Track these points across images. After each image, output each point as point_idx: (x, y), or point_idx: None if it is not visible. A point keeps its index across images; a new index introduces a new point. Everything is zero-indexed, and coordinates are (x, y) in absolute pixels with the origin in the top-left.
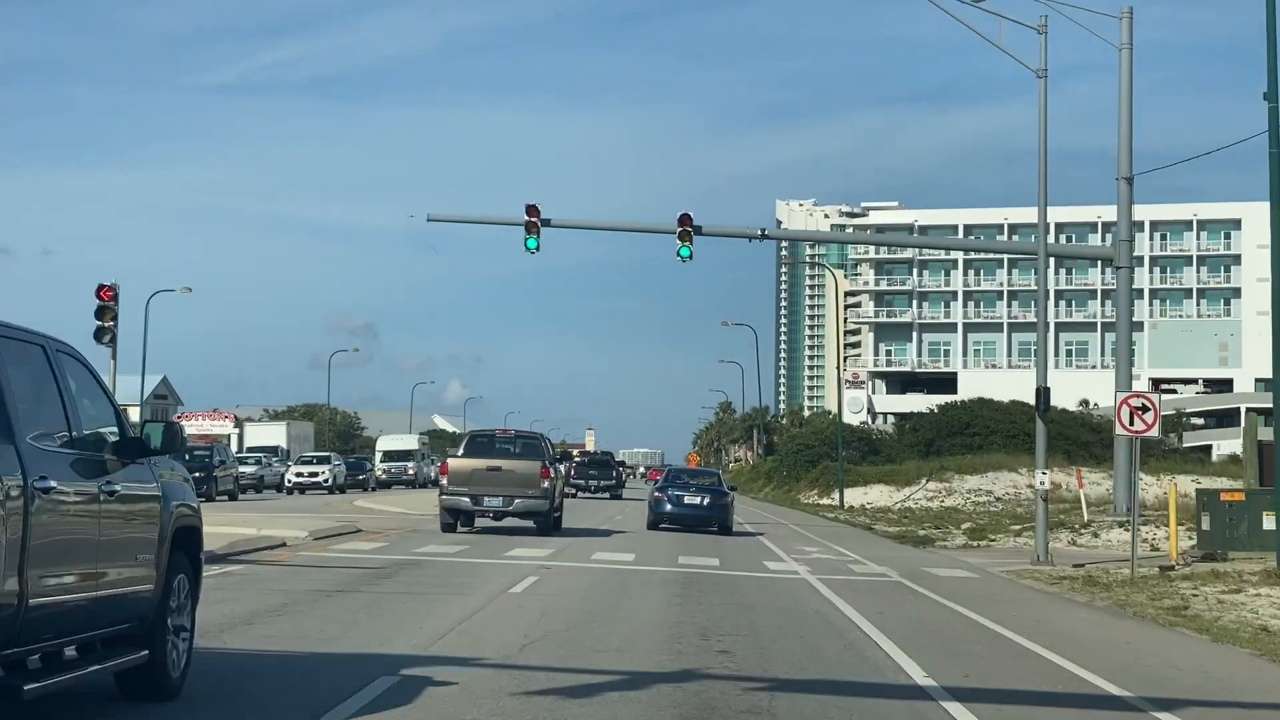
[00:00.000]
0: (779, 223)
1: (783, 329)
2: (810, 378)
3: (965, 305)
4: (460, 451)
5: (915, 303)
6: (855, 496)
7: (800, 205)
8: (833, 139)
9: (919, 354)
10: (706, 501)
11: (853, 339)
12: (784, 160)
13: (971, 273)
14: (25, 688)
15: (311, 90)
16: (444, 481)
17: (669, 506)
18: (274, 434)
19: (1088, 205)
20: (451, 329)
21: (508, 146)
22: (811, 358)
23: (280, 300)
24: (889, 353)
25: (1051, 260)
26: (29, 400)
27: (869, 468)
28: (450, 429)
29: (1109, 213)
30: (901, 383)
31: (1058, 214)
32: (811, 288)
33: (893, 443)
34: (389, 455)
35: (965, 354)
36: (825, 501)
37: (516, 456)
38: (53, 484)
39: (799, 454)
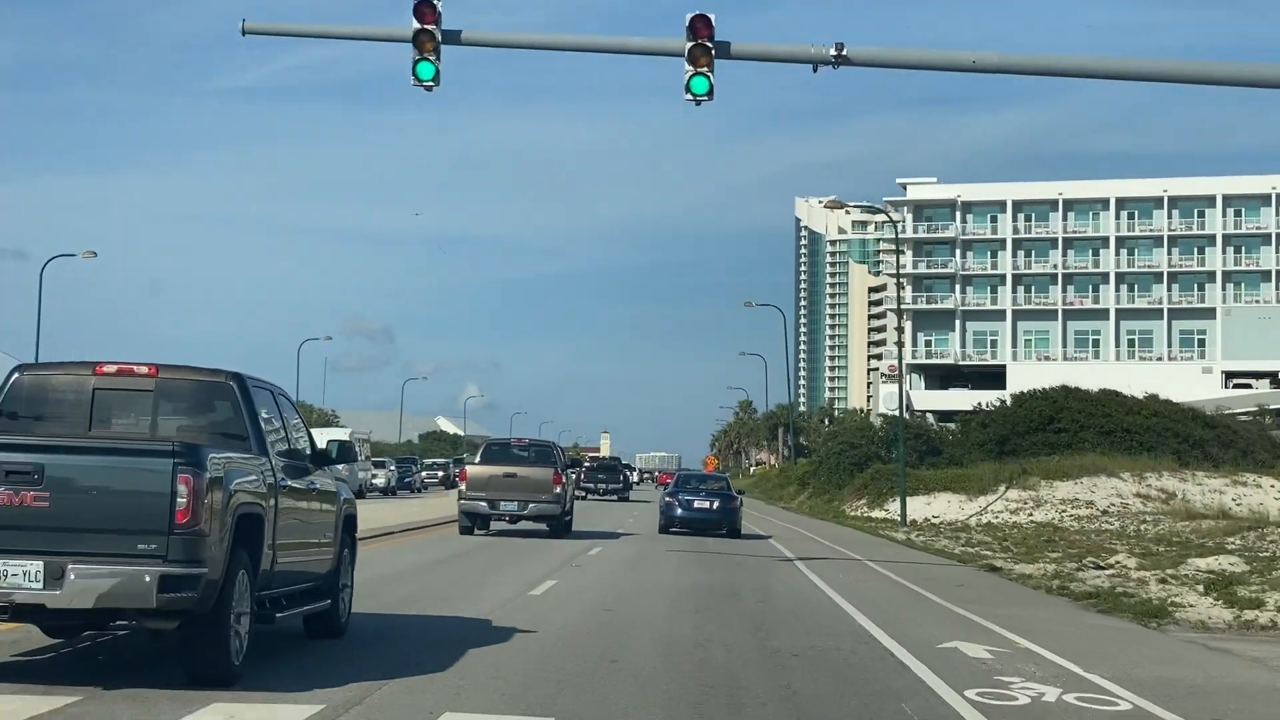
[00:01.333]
0: (798, 220)
1: (802, 328)
2: (832, 376)
3: (1015, 290)
4: (477, 459)
5: (959, 288)
6: (917, 507)
7: (820, 202)
8: (852, 142)
9: (963, 344)
10: (716, 506)
11: (879, 335)
12: (803, 163)
13: (1021, 254)
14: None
15: (330, 95)
16: (463, 487)
17: (679, 511)
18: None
19: (1153, 178)
20: (468, 333)
21: (527, 151)
22: (833, 355)
23: (296, 304)
24: (929, 343)
25: (1112, 241)
26: (269, 426)
27: (931, 471)
28: (455, 431)
29: (1176, 185)
30: (942, 377)
31: (1120, 188)
32: (832, 285)
33: (955, 441)
34: None
35: (1015, 344)
36: (879, 514)
37: (530, 463)
38: (287, 483)
39: (841, 455)
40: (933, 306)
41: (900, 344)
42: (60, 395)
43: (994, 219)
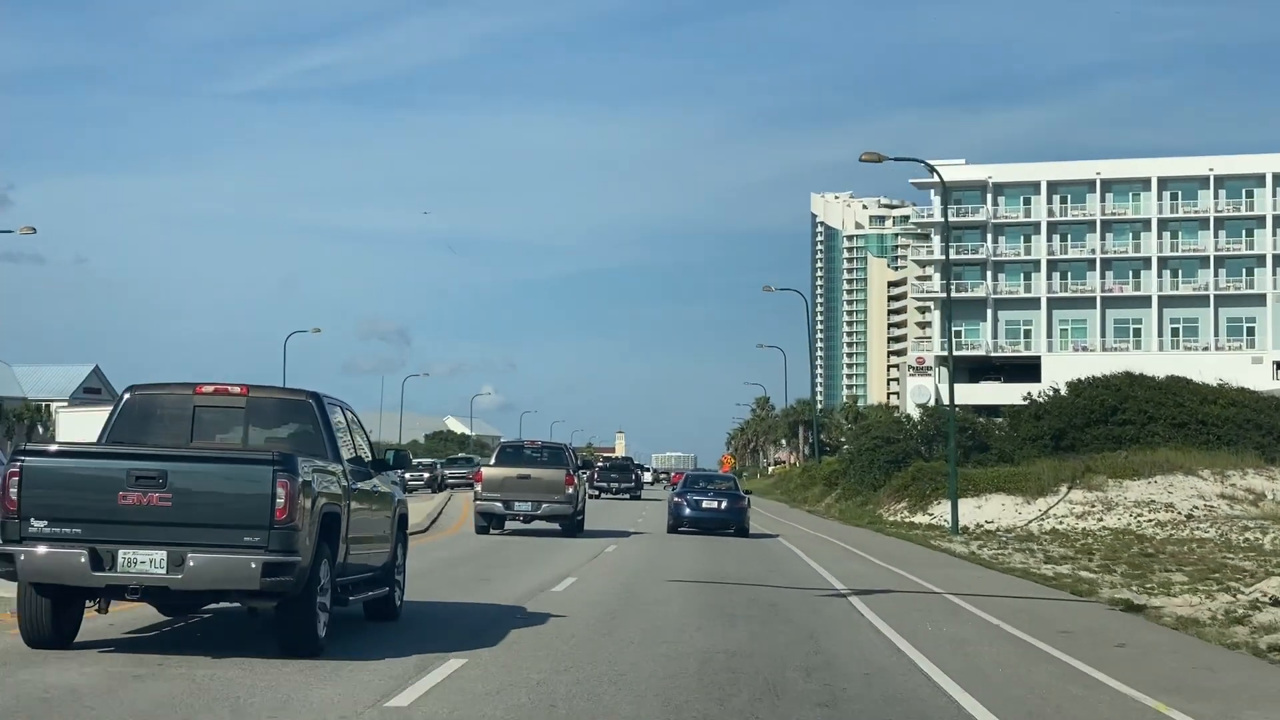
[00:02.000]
0: (814, 216)
1: (819, 325)
2: (849, 374)
3: (1049, 277)
4: (492, 461)
5: (990, 274)
6: (967, 511)
7: (837, 198)
8: (866, 141)
9: (994, 335)
10: (724, 505)
11: (899, 330)
12: (818, 162)
13: (1056, 238)
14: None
15: (342, 97)
16: (478, 488)
17: (688, 511)
18: None
19: (1204, 156)
20: (485, 334)
21: (540, 152)
22: (850, 352)
23: (311, 306)
24: (958, 334)
25: (1154, 222)
26: (340, 437)
27: (980, 470)
28: (463, 430)
29: (1223, 164)
30: (971, 369)
31: (1162, 167)
32: (849, 281)
33: (1003, 436)
34: None
35: (1049, 334)
36: (922, 519)
37: (543, 465)
38: (356, 486)
39: (875, 452)
40: (962, 295)
41: (952, 331)
42: (166, 411)
43: (1027, 201)
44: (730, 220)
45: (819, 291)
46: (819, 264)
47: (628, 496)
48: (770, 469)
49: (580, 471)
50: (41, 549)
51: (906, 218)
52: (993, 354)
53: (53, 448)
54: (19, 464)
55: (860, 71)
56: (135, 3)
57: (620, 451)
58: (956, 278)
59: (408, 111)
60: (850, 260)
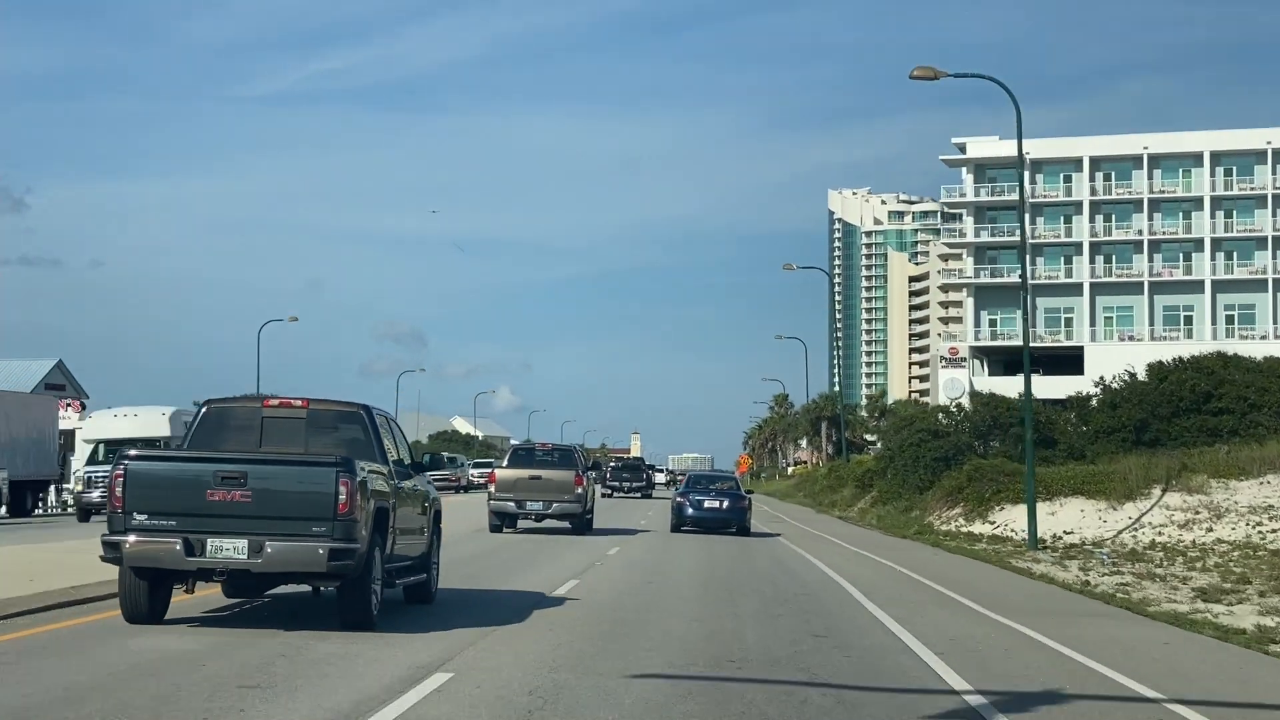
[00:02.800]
0: (831, 213)
1: (837, 321)
2: (869, 371)
3: (1093, 260)
4: (505, 463)
5: (1028, 258)
6: (1039, 518)
7: (854, 194)
8: (884, 142)
9: (1032, 323)
10: (726, 505)
11: (921, 326)
12: (835, 162)
13: (1100, 219)
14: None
15: (359, 99)
16: (492, 489)
17: (690, 511)
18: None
19: (1260, 129)
20: (500, 335)
21: (555, 153)
22: (870, 349)
23: (327, 308)
24: (993, 323)
25: (1207, 200)
26: (387, 443)
27: (1050, 469)
28: (471, 431)
29: None
30: (1006, 361)
31: (1215, 140)
32: (868, 278)
33: (1071, 430)
34: (108, 448)
35: (1093, 322)
36: (982, 528)
37: (554, 466)
38: (400, 485)
39: (920, 449)
40: (997, 281)
41: (1027, 304)
42: (238, 421)
43: (1068, 179)
44: (747, 221)
45: (837, 288)
46: (836, 261)
47: (639, 495)
48: (790, 469)
49: (589, 472)
50: (143, 538)
51: (927, 213)
52: (1032, 344)
53: (152, 453)
54: (123, 467)
55: (876, 72)
56: (154, 7)
57: (635, 452)
58: (991, 261)
59: (425, 113)
60: (869, 256)
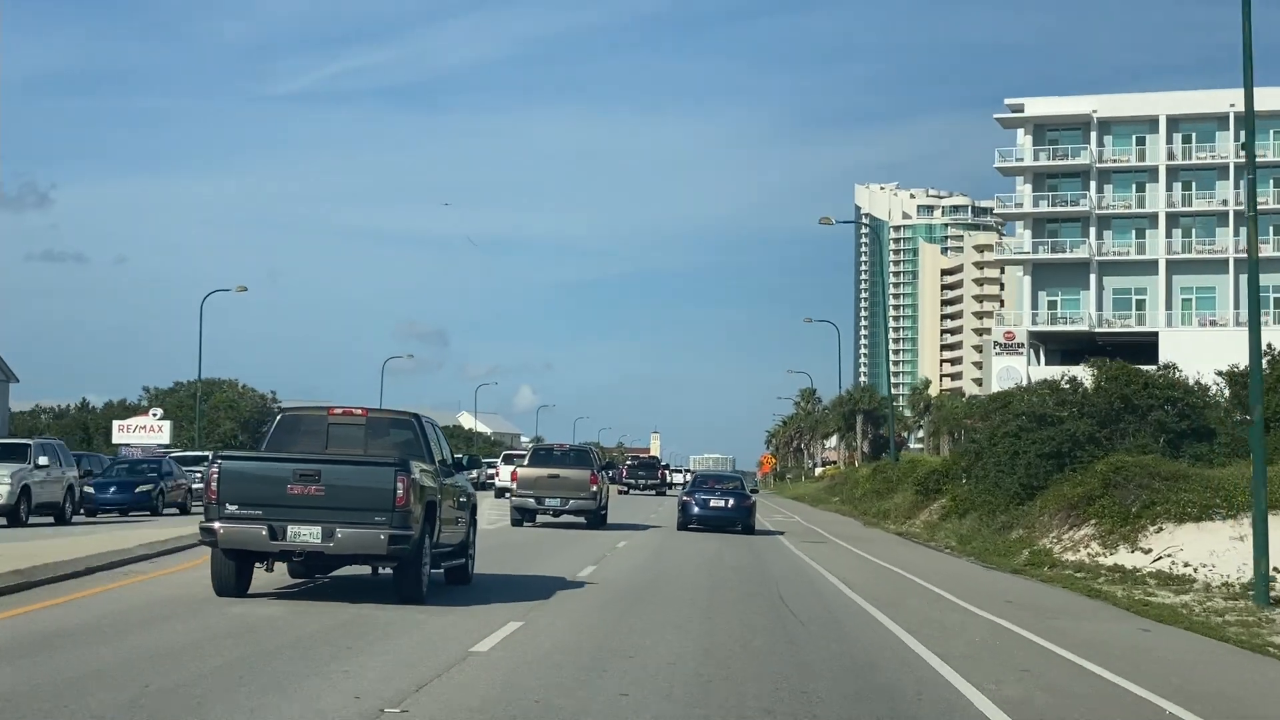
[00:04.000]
0: (858, 208)
1: (863, 318)
2: (897, 367)
3: (1169, 234)
4: (526, 462)
5: (1094, 232)
6: (1219, 543)
7: (882, 189)
8: (912, 142)
9: (1099, 306)
10: (731, 504)
11: (954, 322)
12: (861, 163)
13: (1178, 186)
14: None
15: (382, 98)
16: (514, 486)
17: (696, 509)
18: None
19: None
20: (522, 335)
21: (581, 153)
22: (898, 346)
23: (350, 306)
24: (1053, 305)
25: None
26: (434, 445)
27: (1224, 470)
28: (479, 428)
29: None
30: (1064, 350)
31: None
32: (897, 274)
33: (1221, 416)
34: None
35: (1169, 305)
36: (1134, 560)
37: (571, 465)
38: (444, 482)
39: (1021, 440)
40: (1059, 257)
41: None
42: (307, 427)
43: (1141, 141)
44: (771, 222)
45: (863, 285)
46: (863, 256)
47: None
48: (818, 469)
49: (603, 472)
50: (233, 525)
51: (957, 207)
52: (1097, 329)
53: (241, 454)
54: (218, 465)
55: (903, 72)
56: (180, 5)
57: (654, 452)
58: (1051, 235)
59: (449, 112)
60: (897, 251)
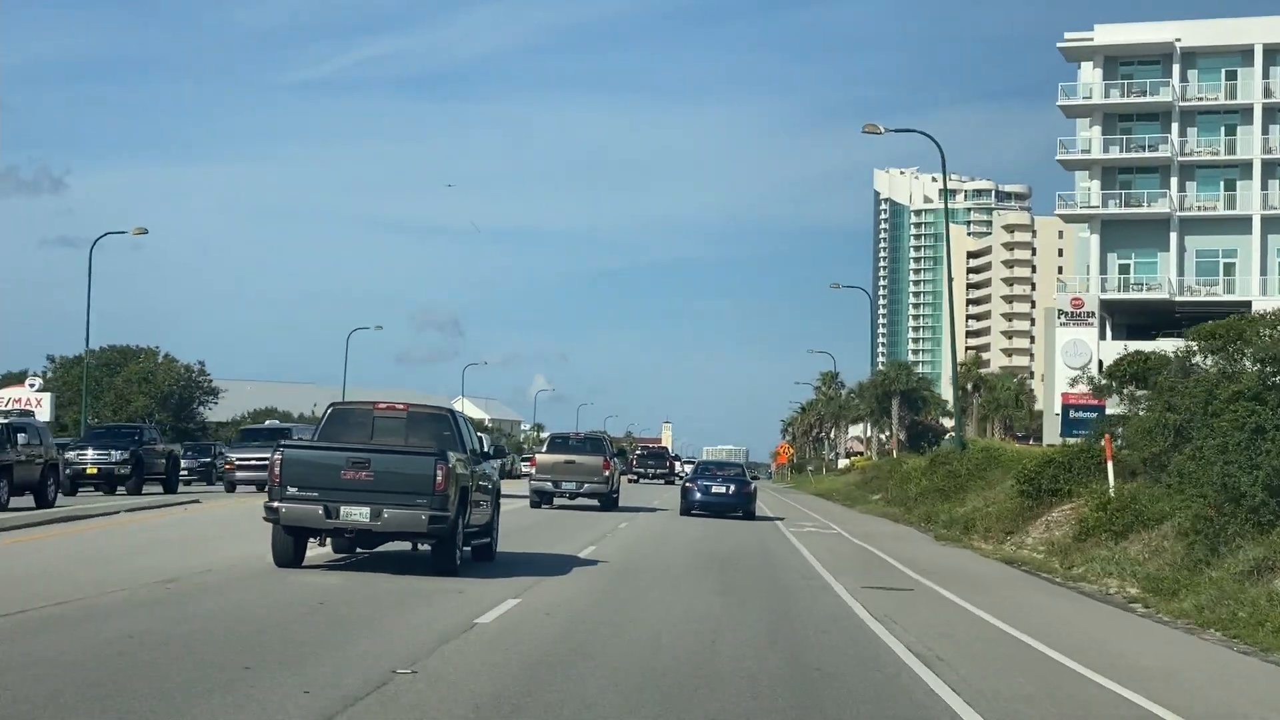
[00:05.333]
0: (877, 194)
1: (881, 304)
2: (917, 356)
3: (1265, 185)
4: (544, 449)
5: (1176, 182)
6: None
7: (902, 173)
8: (935, 132)
9: (1180, 270)
10: (732, 490)
11: (980, 307)
12: (879, 156)
13: (1275, 130)
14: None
15: (401, 88)
16: (533, 471)
17: (698, 495)
18: None
19: None
20: (537, 325)
21: (598, 144)
22: (918, 334)
23: (365, 296)
24: (1125, 269)
25: None
26: (465, 436)
27: None
28: (473, 413)
29: None
30: (1131, 325)
31: None
32: (917, 260)
33: None
34: None
35: (1264, 269)
36: None
37: (586, 452)
38: (474, 469)
39: (1262, 415)
40: (1133, 212)
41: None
42: (355, 420)
43: (1232, 76)
44: (788, 214)
45: (882, 271)
46: (882, 242)
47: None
48: (844, 461)
49: (615, 458)
50: (294, 505)
51: (980, 191)
52: (1178, 297)
53: (301, 443)
54: (280, 453)
55: (920, 65)
56: None
57: (666, 442)
58: (1124, 187)
59: (465, 102)
60: (918, 236)
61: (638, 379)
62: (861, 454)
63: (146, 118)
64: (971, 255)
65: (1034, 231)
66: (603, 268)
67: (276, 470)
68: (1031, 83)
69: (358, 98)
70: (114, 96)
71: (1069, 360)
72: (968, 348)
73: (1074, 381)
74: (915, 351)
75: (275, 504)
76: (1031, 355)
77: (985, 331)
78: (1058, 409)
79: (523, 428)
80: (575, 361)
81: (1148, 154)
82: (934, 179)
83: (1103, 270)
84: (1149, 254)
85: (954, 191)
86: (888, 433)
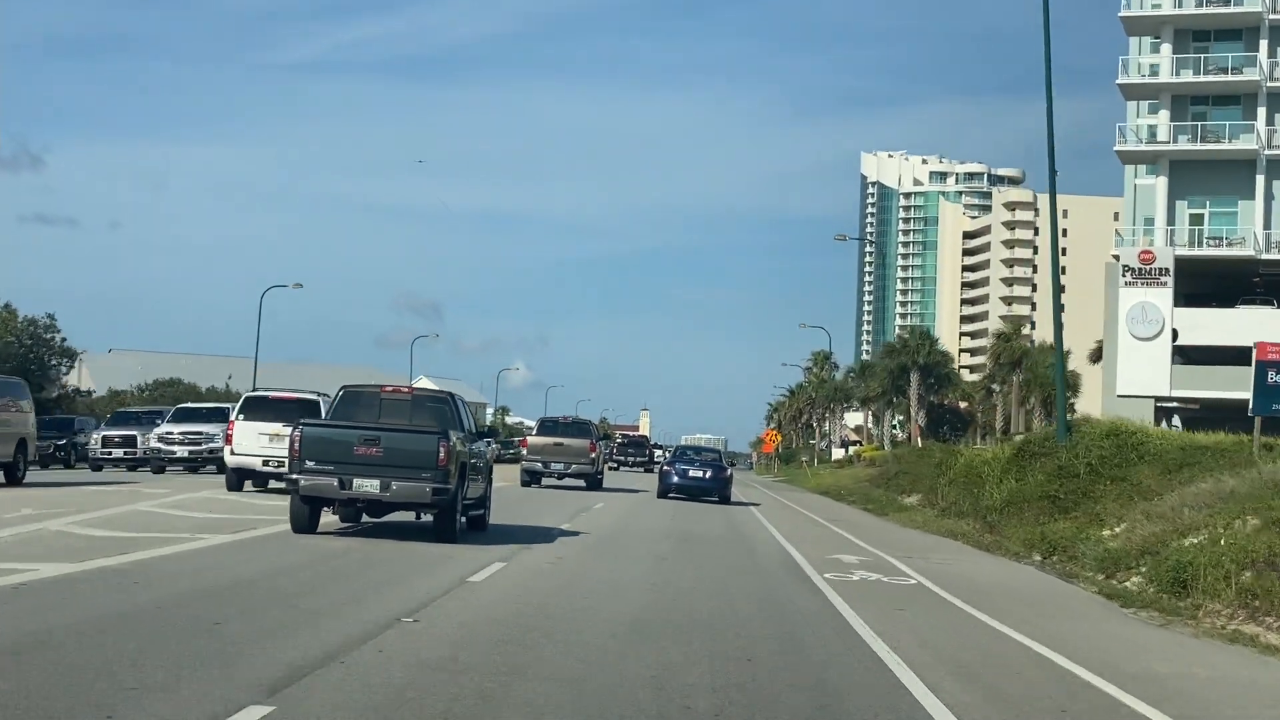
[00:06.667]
0: (864, 178)
1: (867, 290)
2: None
3: None
4: (535, 431)
5: (1263, 114)
6: None
7: (890, 156)
8: (916, 126)
9: (1266, 223)
10: (709, 475)
11: (977, 291)
12: (866, 146)
13: None
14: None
15: (387, 70)
16: (524, 452)
17: (675, 479)
18: None
19: None
20: (519, 311)
21: (583, 130)
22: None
23: (347, 278)
24: (1197, 220)
25: None
26: (463, 417)
27: None
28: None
29: None
30: (1195, 294)
31: None
32: (906, 244)
33: None
34: None
35: None
36: None
37: (573, 435)
38: (470, 447)
39: None
40: (1209, 149)
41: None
42: (364, 401)
43: None
44: (772, 203)
45: (868, 257)
46: (869, 228)
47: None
48: (837, 451)
49: (601, 442)
50: (311, 478)
51: (972, 174)
52: (1263, 255)
53: (319, 421)
54: (300, 430)
55: (908, 57)
56: None
57: (644, 429)
58: (1198, 119)
59: (452, 86)
60: (907, 220)
61: (617, 366)
62: (858, 443)
63: (130, 96)
64: (967, 236)
65: (1036, 210)
66: (585, 254)
67: (296, 446)
68: (1020, 76)
69: (343, 80)
70: (98, 73)
71: (1135, 329)
72: (961, 333)
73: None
74: (903, 329)
75: (295, 476)
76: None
77: (982, 316)
78: (1122, 389)
79: (488, 411)
80: (555, 347)
81: (1230, 77)
82: (924, 161)
83: (1170, 220)
84: (1228, 201)
85: (945, 174)
86: (900, 417)
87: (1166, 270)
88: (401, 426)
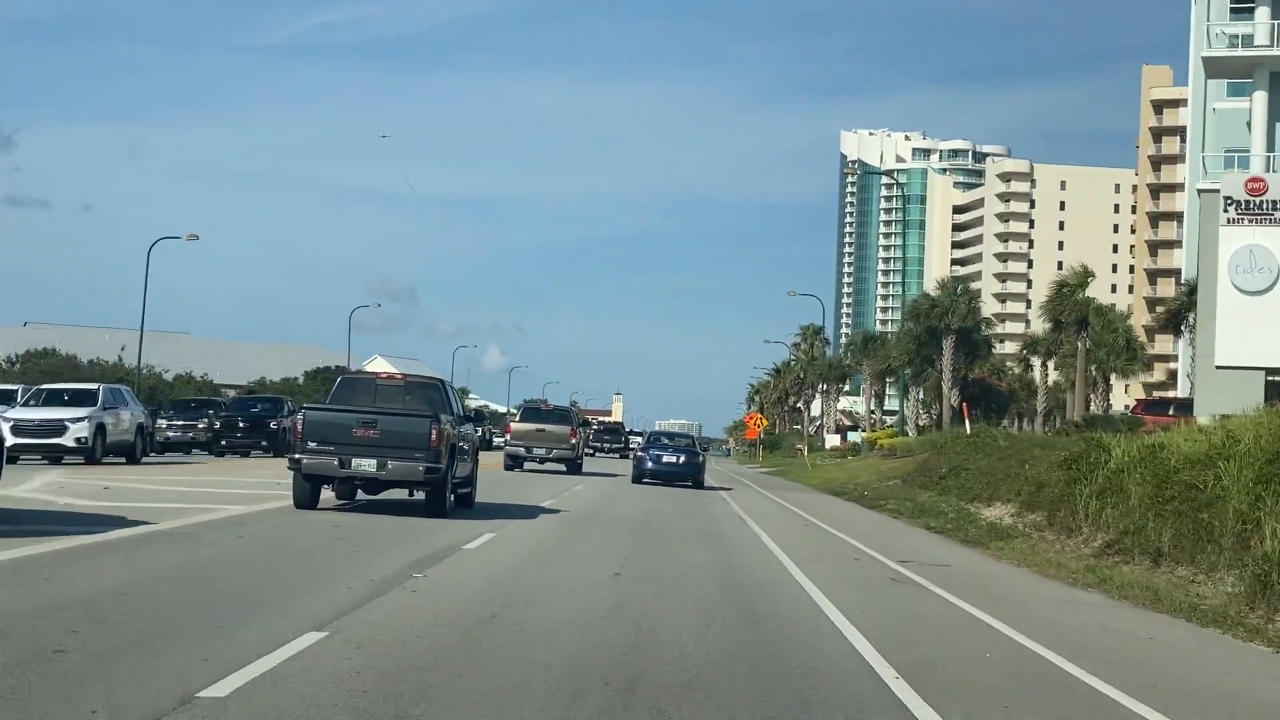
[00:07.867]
0: (844, 156)
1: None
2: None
3: None
4: (518, 418)
5: None
6: None
7: (871, 134)
8: (887, 114)
9: None
10: (682, 460)
11: (968, 268)
12: (845, 127)
13: None
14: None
15: (361, 54)
16: (508, 437)
17: (650, 464)
18: None
19: None
20: (493, 296)
21: (555, 115)
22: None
23: (319, 262)
24: None
25: None
26: (453, 401)
27: None
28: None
29: None
30: None
31: None
32: (888, 222)
33: None
34: None
35: None
36: None
37: (554, 421)
38: (459, 430)
39: None
40: None
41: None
42: (361, 388)
43: None
44: (750, 189)
45: (848, 236)
46: (848, 207)
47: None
48: (831, 438)
49: (581, 428)
50: (313, 458)
51: (956, 151)
52: None
53: (320, 405)
54: (303, 414)
55: (885, 43)
56: None
57: (617, 414)
58: None
59: (427, 70)
60: (889, 199)
61: (590, 351)
62: (853, 427)
63: (101, 77)
64: (957, 210)
65: (1033, 181)
66: (561, 239)
67: (299, 428)
68: (993, 62)
69: (317, 63)
70: (68, 55)
71: (1240, 280)
72: None
73: None
74: (884, 322)
75: (298, 456)
76: (1027, 321)
77: (975, 295)
78: (1222, 358)
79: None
80: (528, 331)
81: None
82: (906, 137)
83: (1270, 144)
84: None
85: (929, 151)
86: (920, 395)
87: (1277, 203)
88: (396, 410)
